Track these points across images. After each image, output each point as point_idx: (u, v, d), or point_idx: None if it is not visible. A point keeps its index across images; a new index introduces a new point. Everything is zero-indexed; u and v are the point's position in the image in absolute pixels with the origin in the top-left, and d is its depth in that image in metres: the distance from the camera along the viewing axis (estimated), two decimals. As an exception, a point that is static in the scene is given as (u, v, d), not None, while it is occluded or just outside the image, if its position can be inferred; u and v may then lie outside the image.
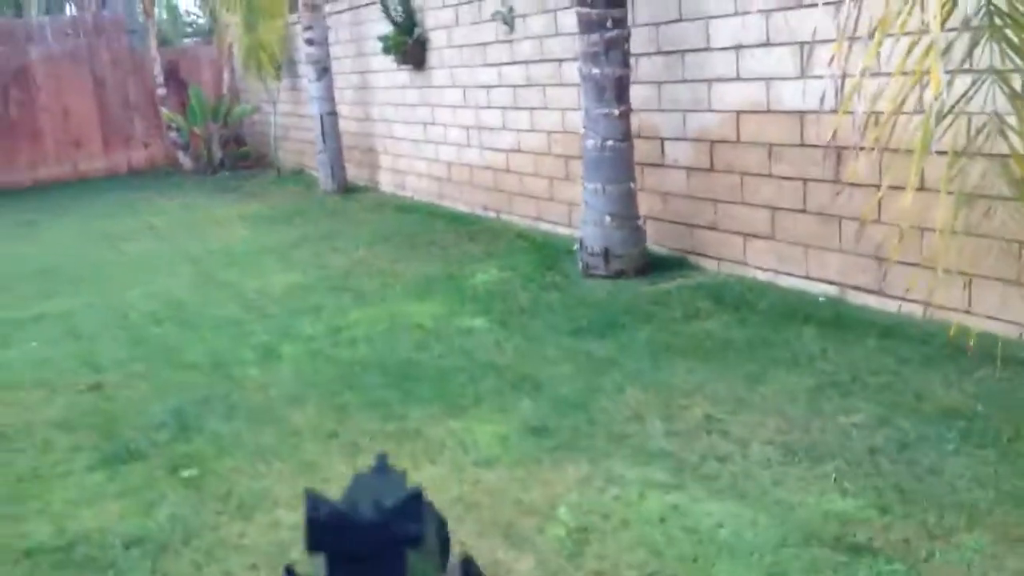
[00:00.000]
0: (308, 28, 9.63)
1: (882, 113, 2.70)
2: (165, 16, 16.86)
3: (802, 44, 4.61)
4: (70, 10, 16.01)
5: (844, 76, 2.70)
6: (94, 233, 8.68)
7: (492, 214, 7.78)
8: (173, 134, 12.91)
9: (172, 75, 13.38)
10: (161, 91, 12.90)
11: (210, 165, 12.64)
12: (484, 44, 7.46)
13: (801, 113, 4.70)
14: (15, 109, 12.81)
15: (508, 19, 6.99)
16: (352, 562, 0.48)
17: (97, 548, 2.83)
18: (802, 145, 4.74)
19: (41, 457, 3.61)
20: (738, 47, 5.03)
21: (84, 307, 5.92)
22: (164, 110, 12.80)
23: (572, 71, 6.07)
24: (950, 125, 2.66)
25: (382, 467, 0.62)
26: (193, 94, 12.74)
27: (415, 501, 0.49)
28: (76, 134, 13.18)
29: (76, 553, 2.81)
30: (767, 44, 4.84)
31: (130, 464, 3.44)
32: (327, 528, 0.48)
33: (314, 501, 0.48)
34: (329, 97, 9.75)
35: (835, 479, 2.80)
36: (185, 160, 12.90)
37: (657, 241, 5.80)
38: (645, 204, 5.68)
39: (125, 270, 6.97)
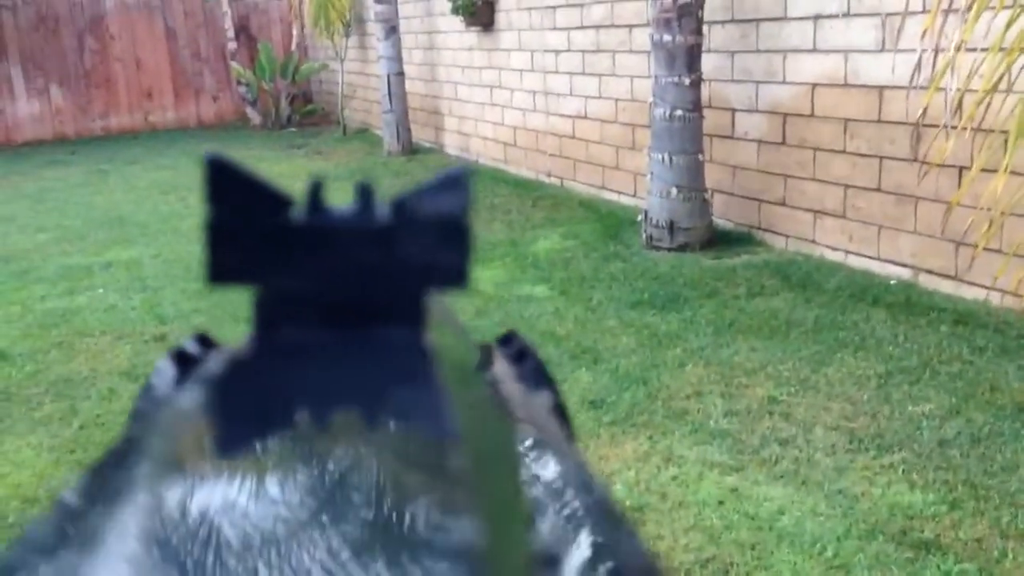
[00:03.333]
0: (378, -14, 9.58)
1: (975, 91, 2.58)
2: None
3: (885, 16, 4.44)
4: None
5: (936, 51, 2.57)
6: (162, 184, 8.80)
7: (556, 181, 7.70)
8: (242, 89, 13.01)
9: (243, 30, 13.46)
10: (231, 45, 12.99)
11: (277, 121, 12.72)
12: (554, 7, 7.34)
13: (880, 88, 4.54)
14: (90, 59, 13.02)
15: (580, -18, 6.86)
16: (313, 306, 0.23)
17: (156, 499, 2.87)
18: (879, 121, 4.58)
19: (105, 405, 3.67)
20: (816, 17, 4.86)
21: (151, 257, 6.01)
22: (234, 65, 12.90)
23: (643, 37, 5.95)
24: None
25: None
26: (262, 49, 12.81)
27: (454, 187, 0.24)
28: (148, 85, 13.36)
29: (136, 503, 2.86)
30: (847, 15, 4.67)
31: (191, 417, 3.49)
32: (264, 231, 0.23)
33: (223, 169, 0.23)
34: (396, 57, 9.71)
35: (903, 471, 2.72)
36: (253, 115, 13.00)
37: (723, 215, 5.68)
38: (713, 177, 5.56)
39: (191, 222, 7.05)
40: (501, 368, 0.31)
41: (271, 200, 0.24)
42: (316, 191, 0.25)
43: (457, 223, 0.24)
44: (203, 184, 0.23)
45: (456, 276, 0.24)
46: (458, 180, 0.24)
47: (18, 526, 2.79)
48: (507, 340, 0.34)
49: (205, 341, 0.32)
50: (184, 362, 0.31)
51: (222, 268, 0.24)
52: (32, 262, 6.01)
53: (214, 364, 0.28)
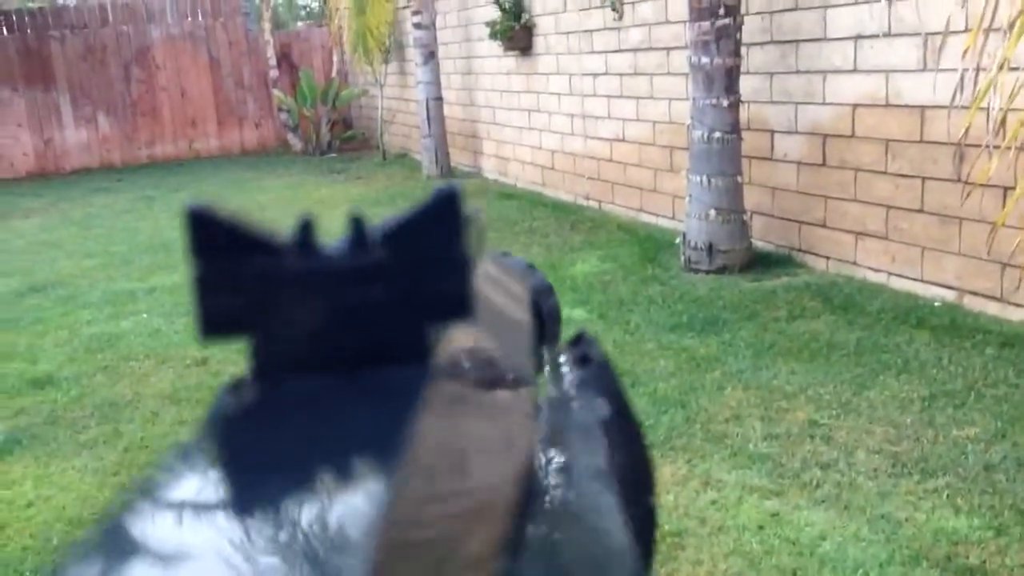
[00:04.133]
0: (417, 12, 9.70)
1: (1019, 110, 2.55)
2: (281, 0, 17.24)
3: (926, 35, 4.40)
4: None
5: (978, 70, 2.55)
6: (205, 210, 8.93)
7: (594, 204, 7.71)
8: (284, 116, 13.21)
9: (284, 57, 13.69)
10: (273, 73, 13.20)
11: (318, 147, 12.89)
12: (591, 31, 7.38)
13: (922, 108, 4.49)
14: (136, 88, 13.30)
15: (617, 6, 6.89)
16: (311, 350, 0.22)
17: (197, 521, 2.90)
18: (922, 142, 4.53)
19: (148, 428, 3.73)
20: (856, 37, 4.83)
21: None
22: (276, 92, 13.10)
23: (680, 60, 5.95)
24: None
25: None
26: (303, 76, 13.01)
27: (444, 211, 0.22)
28: (192, 114, 13.61)
29: (177, 525, 2.89)
30: (888, 35, 4.64)
31: (231, 439, 3.52)
32: (254, 278, 0.22)
33: (205, 219, 0.22)
34: (435, 82, 9.81)
35: (947, 495, 2.67)
36: (294, 141, 13.19)
37: (763, 237, 5.64)
38: (752, 199, 5.53)
39: (233, 248, 7.15)
40: (561, 374, 0.29)
41: (259, 246, 0.22)
42: (305, 230, 0.23)
43: (452, 250, 0.23)
44: (187, 237, 0.22)
45: (456, 306, 0.22)
46: (448, 201, 0.23)
47: (62, 549, 2.84)
48: (576, 341, 0.32)
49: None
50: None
51: (214, 321, 0.23)
52: (79, 287, 6.13)
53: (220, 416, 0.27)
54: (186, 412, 3.83)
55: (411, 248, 0.22)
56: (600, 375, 0.29)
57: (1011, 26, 2.61)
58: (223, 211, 0.22)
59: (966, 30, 3.66)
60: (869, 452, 2.99)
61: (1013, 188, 3.66)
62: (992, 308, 4.24)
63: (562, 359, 0.31)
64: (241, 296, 0.22)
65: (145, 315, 5.38)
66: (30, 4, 14.09)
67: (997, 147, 2.81)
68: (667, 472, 2.96)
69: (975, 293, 4.34)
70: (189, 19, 13.43)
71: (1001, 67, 2.57)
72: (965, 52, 2.76)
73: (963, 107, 2.97)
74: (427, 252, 0.22)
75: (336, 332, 0.22)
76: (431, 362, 0.22)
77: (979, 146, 3.40)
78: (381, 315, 0.22)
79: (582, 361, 0.30)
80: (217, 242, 0.22)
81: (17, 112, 12.73)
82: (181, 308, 5.47)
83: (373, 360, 0.22)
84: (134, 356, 4.63)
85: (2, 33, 12.68)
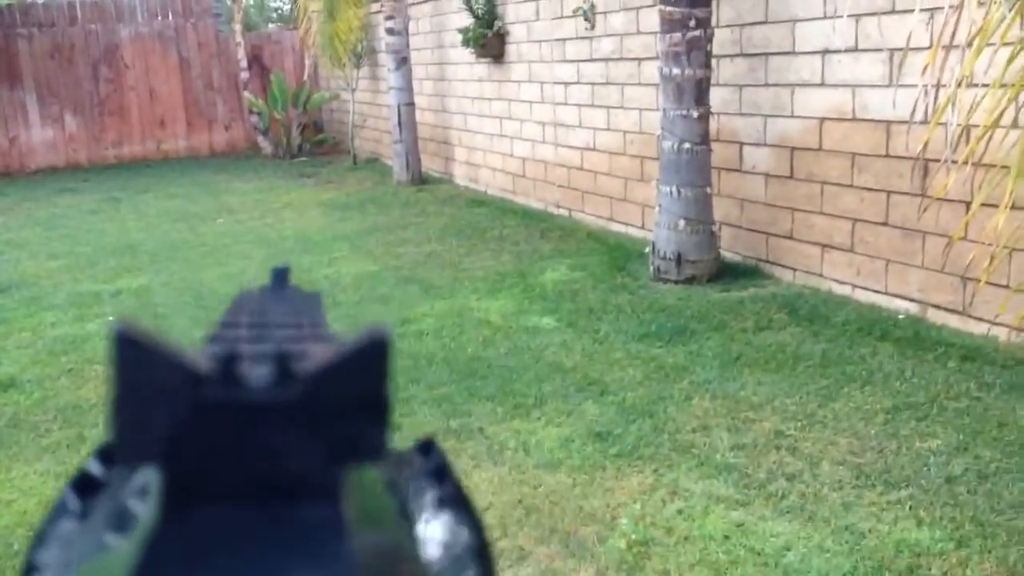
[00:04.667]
0: (389, 17, 9.69)
1: (976, 126, 2.60)
2: (252, 1, 17.13)
3: (892, 51, 4.47)
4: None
5: (938, 86, 2.59)
6: (173, 212, 8.86)
7: (564, 212, 7.74)
8: (254, 118, 13.12)
9: (255, 60, 13.60)
10: (244, 75, 13.12)
11: (288, 150, 12.82)
12: (564, 40, 7.41)
13: (888, 123, 4.56)
14: (104, 87, 13.16)
15: (589, 15, 6.93)
16: (225, 483, 0.23)
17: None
18: (887, 156, 4.60)
19: (112, 433, 3.68)
20: (824, 52, 4.90)
21: (160, 285, 6.05)
22: (246, 94, 13.02)
23: (651, 70, 5.99)
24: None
25: (281, 284, 0.35)
26: (274, 79, 12.94)
27: (373, 357, 0.24)
28: (161, 114, 13.49)
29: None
30: (855, 50, 4.70)
31: (197, 445, 3.49)
32: (174, 409, 0.22)
33: (131, 342, 0.23)
34: (407, 87, 9.80)
35: (910, 507, 2.70)
36: (264, 144, 13.10)
37: (731, 248, 5.69)
38: (720, 210, 5.58)
39: (201, 251, 7.10)
40: (417, 491, 0.29)
41: (182, 376, 0.23)
42: (229, 364, 0.23)
43: (375, 398, 0.24)
44: (111, 359, 0.23)
45: (373, 450, 0.24)
46: (377, 348, 0.24)
47: (24, 554, 2.80)
48: (425, 449, 0.31)
49: (110, 457, 0.29)
50: (89, 488, 0.29)
51: (131, 446, 0.23)
52: (43, 289, 6.05)
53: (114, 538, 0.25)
54: (151, 417, 3.80)
55: (333, 389, 0.23)
56: (458, 495, 0.29)
57: (969, 44, 2.66)
58: (150, 334, 0.22)
59: (929, 47, 3.72)
60: (834, 463, 3.03)
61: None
62: (954, 321, 4.31)
63: (415, 467, 0.30)
64: (159, 425, 0.22)
65: (111, 317, 5.32)
66: (-4, 0, 13.90)
67: (954, 162, 2.86)
68: (635, 481, 2.98)
69: (938, 306, 4.41)
70: (159, 19, 13.32)
71: (959, 84, 2.62)
72: (925, 68, 2.80)
73: (924, 122, 3.02)
74: (349, 398, 0.23)
75: (251, 467, 0.23)
76: (342, 499, 0.23)
77: (939, 161, 3.46)
78: (297, 452, 0.23)
79: (437, 476, 0.29)
80: (141, 367, 0.22)
81: (-19, 110, 12.55)
82: (147, 311, 5.42)
83: (284, 495, 0.23)
84: (99, 359, 4.58)
85: (-33, 29, 12.49)
